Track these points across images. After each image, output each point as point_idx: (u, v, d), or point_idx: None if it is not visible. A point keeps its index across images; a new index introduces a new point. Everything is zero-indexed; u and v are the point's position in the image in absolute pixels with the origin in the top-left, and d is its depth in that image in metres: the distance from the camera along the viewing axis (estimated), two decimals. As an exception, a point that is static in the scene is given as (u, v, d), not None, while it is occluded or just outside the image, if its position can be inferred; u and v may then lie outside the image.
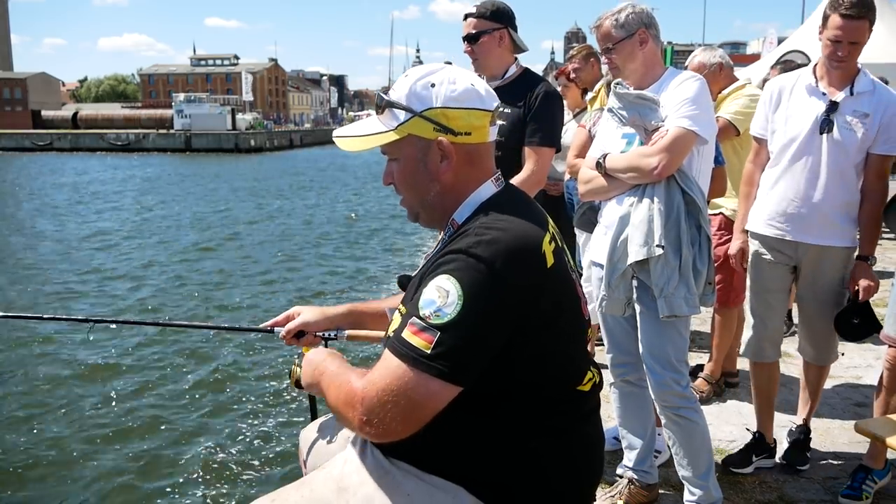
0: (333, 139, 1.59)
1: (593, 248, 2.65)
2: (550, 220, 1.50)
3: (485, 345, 1.29)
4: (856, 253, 2.82)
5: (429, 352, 1.26)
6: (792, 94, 2.84)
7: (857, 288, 2.77)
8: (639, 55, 2.47)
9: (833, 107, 2.72)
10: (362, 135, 1.50)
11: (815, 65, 2.82)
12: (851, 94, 2.71)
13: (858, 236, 2.81)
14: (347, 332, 1.93)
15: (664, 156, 2.32)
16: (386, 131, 1.47)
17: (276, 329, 1.93)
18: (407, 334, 1.28)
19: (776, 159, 2.86)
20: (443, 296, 1.27)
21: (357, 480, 1.47)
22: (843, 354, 3.23)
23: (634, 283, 2.47)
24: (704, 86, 2.43)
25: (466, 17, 3.09)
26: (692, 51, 4.20)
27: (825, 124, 2.72)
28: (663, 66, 2.52)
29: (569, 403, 1.44)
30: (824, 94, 2.75)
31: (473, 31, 3.05)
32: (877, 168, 2.75)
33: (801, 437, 3.09)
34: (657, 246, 2.33)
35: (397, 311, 1.43)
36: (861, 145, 2.71)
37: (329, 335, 1.92)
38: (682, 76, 2.46)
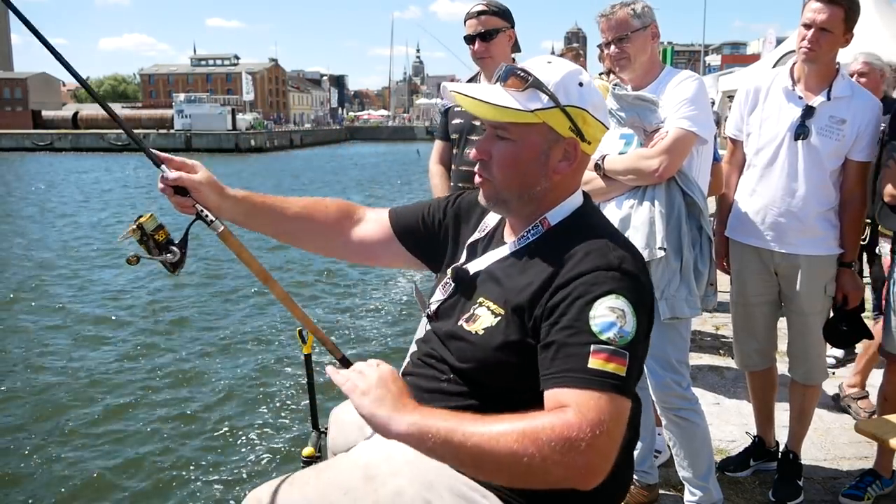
0: (451, 91, 1.46)
1: None
2: None
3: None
4: (836, 259, 2.71)
5: (624, 374, 1.22)
6: (768, 95, 2.74)
7: (844, 295, 2.71)
8: (649, 48, 2.46)
9: (809, 112, 2.62)
10: (493, 103, 1.39)
11: (793, 65, 2.72)
12: (829, 98, 2.61)
13: (839, 242, 2.70)
14: (223, 228, 1.63)
15: (665, 158, 2.31)
16: (523, 110, 1.39)
17: (163, 167, 1.60)
18: (598, 363, 1.21)
19: (752, 163, 2.79)
20: (620, 316, 1.25)
21: (387, 470, 1.41)
22: (833, 374, 3.12)
23: (635, 284, 2.46)
24: (702, 85, 2.43)
25: (479, 14, 2.99)
26: (692, 51, 4.21)
27: (801, 130, 2.62)
28: (661, 66, 2.52)
29: None
30: (801, 97, 2.65)
31: (489, 29, 2.98)
32: (856, 174, 2.65)
33: (788, 465, 2.90)
34: (659, 248, 2.33)
35: (485, 308, 1.41)
36: (838, 151, 2.62)
37: (206, 216, 1.61)
38: (681, 76, 2.45)
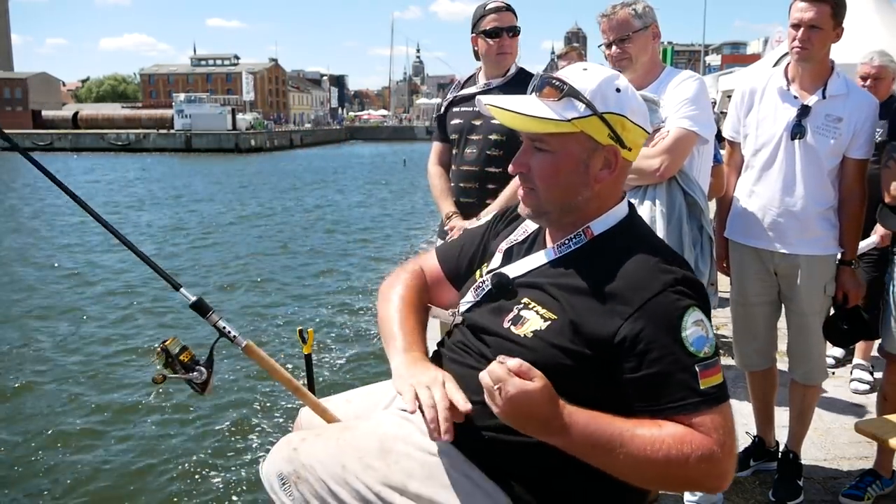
0: (485, 104, 1.44)
1: None
2: None
3: None
4: (837, 258, 2.72)
5: (723, 379, 1.30)
6: (763, 96, 2.74)
7: (844, 294, 2.71)
8: (650, 49, 2.46)
9: (805, 111, 2.61)
10: (530, 114, 1.38)
11: (787, 65, 2.72)
12: (824, 97, 2.60)
13: (839, 242, 2.70)
14: (246, 343, 1.73)
15: (666, 157, 2.31)
16: (559, 120, 1.37)
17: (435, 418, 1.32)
18: (707, 381, 1.27)
19: (750, 164, 2.79)
20: (704, 327, 1.31)
21: (402, 450, 1.43)
22: (833, 374, 3.13)
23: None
24: (703, 85, 2.44)
25: (507, 9, 2.99)
26: (692, 51, 4.21)
27: (797, 130, 2.62)
28: (662, 66, 2.53)
29: None
30: (796, 97, 2.64)
31: (514, 25, 2.99)
32: (854, 172, 2.64)
33: (788, 465, 2.90)
34: None
35: (534, 312, 1.39)
36: (835, 150, 2.61)
37: (228, 332, 1.71)
38: (682, 76, 2.46)
